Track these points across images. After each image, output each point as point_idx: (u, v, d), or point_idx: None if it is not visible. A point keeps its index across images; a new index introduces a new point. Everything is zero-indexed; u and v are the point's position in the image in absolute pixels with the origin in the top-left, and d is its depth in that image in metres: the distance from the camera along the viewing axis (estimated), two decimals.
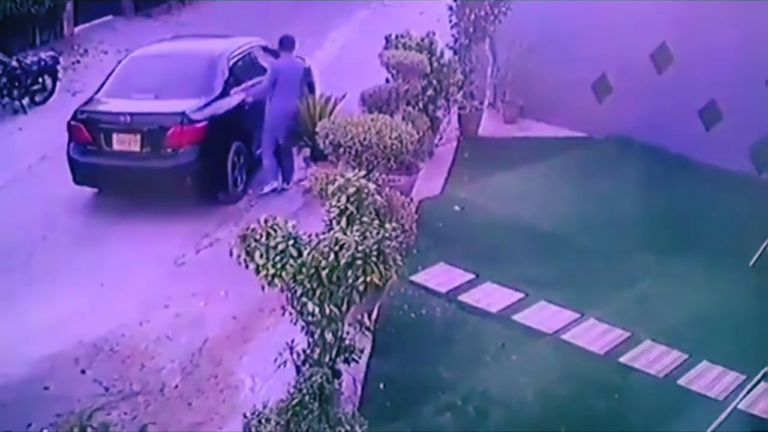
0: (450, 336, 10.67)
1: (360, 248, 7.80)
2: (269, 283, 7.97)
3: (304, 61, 16.54)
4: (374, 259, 7.88)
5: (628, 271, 12.11)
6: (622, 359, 10.23)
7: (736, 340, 10.51)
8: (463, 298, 11.41)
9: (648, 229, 13.13)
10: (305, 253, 7.90)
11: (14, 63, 18.05)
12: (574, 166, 15.58)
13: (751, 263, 12.24)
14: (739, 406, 9.38)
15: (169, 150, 13.63)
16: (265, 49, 16.10)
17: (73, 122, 13.97)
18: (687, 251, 12.45)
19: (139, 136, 13.65)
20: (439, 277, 11.85)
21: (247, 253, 7.98)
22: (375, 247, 7.87)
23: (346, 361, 8.74)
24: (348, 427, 7.96)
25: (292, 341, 8.68)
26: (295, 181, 14.71)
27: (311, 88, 16.08)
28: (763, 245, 12.31)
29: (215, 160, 13.91)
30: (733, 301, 11.37)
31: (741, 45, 14.49)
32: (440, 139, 16.44)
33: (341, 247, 7.83)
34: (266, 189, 14.73)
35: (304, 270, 7.87)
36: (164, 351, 10.56)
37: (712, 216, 13.56)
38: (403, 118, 12.78)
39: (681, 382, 9.87)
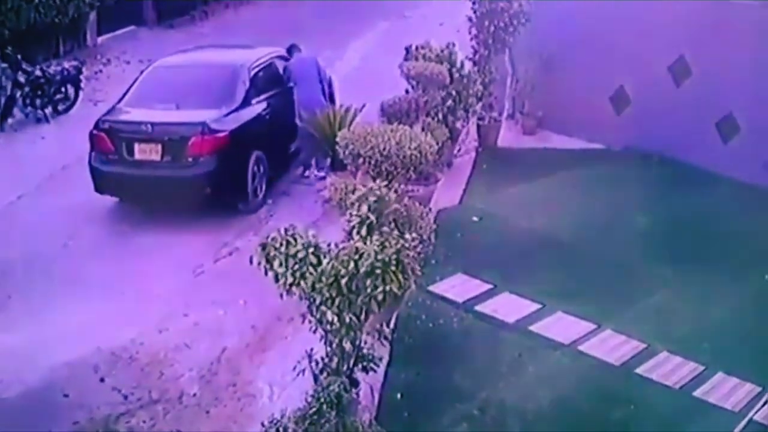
0: (467, 346, 10.71)
1: (379, 257, 7.85)
2: (288, 292, 8.03)
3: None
4: (393, 268, 7.93)
5: (644, 283, 12.10)
6: (639, 370, 10.23)
7: (752, 352, 10.50)
8: (481, 308, 11.44)
9: (664, 240, 13.11)
10: (325, 261, 7.95)
11: (38, 72, 18.19)
12: (592, 178, 15.61)
13: None
14: (754, 418, 9.40)
15: (189, 159, 13.71)
16: (286, 59, 16.21)
17: (95, 131, 14.08)
18: (704, 263, 12.42)
19: (160, 146, 13.75)
20: (457, 287, 11.89)
21: (267, 261, 8.04)
22: (394, 256, 7.92)
23: (364, 370, 8.78)
24: None
25: (311, 350, 8.73)
26: (314, 190, 14.77)
27: (332, 99, 16.19)
28: None
29: (235, 169, 14.00)
30: (749, 313, 11.36)
31: (759, 58, 14.49)
32: (459, 149, 16.50)
33: (361, 256, 7.88)
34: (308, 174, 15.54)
35: (323, 278, 7.92)
36: (183, 359, 10.62)
37: (728, 228, 13.53)
38: (423, 129, 12.84)
39: (697, 393, 9.86)
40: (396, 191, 10.22)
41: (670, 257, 12.62)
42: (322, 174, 15.18)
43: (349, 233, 8.33)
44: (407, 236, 8.36)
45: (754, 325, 11.12)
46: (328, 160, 14.67)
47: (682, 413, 9.62)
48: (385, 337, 9.58)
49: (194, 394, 10.01)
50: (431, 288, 11.70)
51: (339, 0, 25.79)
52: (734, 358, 10.42)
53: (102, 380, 10.18)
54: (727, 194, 14.57)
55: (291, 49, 16.13)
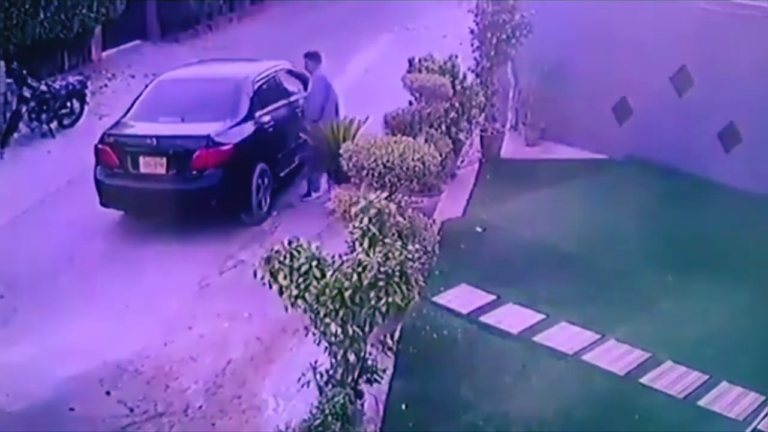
0: (471, 357, 10.73)
1: (382, 269, 7.87)
2: (293, 304, 8.06)
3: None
4: (397, 280, 7.95)
5: (648, 292, 12.10)
6: (643, 380, 10.23)
7: (757, 360, 10.48)
8: (485, 319, 11.47)
9: (668, 250, 13.13)
10: (328, 274, 7.98)
11: (43, 87, 18.27)
12: (595, 188, 15.63)
13: None
14: (759, 427, 9.40)
15: (194, 172, 13.79)
16: (290, 72, 16.26)
17: (100, 145, 14.17)
18: (707, 272, 12.42)
19: (165, 159, 13.83)
20: (461, 298, 11.91)
21: (271, 275, 8.07)
22: (397, 268, 7.94)
23: (369, 381, 8.79)
24: None
25: (315, 362, 8.75)
26: (319, 202, 14.80)
27: (335, 111, 16.23)
28: None
29: (240, 182, 14.06)
30: (753, 322, 11.34)
31: (760, 68, 14.54)
32: (462, 161, 16.53)
33: (364, 269, 7.90)
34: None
35: (327, 291, 7.94)
36: (188, 372, 10.65)
37: (731, 237, 13.51)
38: (426, 141, 12.84)
39: (701, 402, 9.85)
40: (398, 203, 10.25)
41: (673, 266, 12.62)
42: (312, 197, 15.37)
43: (352, 245, 8.36)
44: (411, 247, 8.39)
45: (758, 333, 11.09)
46: (326, 177, 14.71)
47: (687, 422, 9.62)
48: (390, 349, 9.59)
49: (200, 407, 10.05)
50: (435, 299, 11.72)
51: (342, 12, 25.91)
52: (739, 366, 10.40)
53: (108, 393, 10.21)
54: (729, 203, 14.54)
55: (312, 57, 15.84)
